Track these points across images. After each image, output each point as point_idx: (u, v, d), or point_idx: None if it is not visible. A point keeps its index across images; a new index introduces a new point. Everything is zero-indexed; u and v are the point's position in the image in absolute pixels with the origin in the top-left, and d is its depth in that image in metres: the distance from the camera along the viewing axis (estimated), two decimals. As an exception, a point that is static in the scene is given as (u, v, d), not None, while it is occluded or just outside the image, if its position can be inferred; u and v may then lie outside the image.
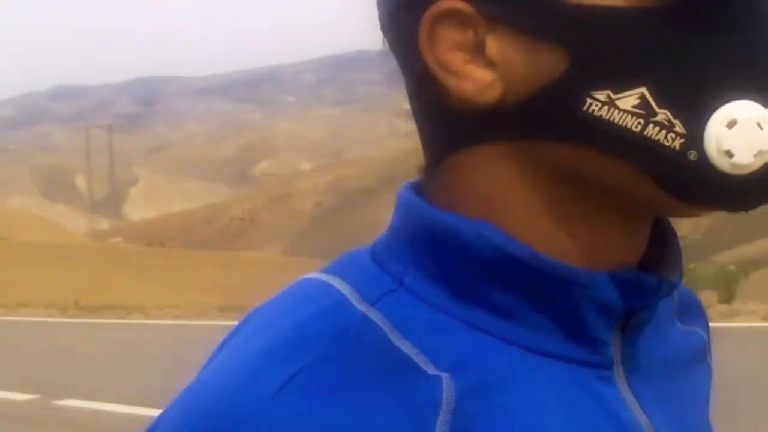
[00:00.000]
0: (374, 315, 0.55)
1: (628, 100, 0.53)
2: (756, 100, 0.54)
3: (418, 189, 0.61)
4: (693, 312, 0.73)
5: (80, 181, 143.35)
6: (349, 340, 0.54)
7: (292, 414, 0.50)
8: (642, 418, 0.59)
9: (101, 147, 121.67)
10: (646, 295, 0.58)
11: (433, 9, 0.56)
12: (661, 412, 0.61)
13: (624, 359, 0.60)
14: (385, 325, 0.55)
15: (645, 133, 0.53)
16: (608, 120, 0.54)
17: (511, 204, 0.57)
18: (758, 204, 0.56)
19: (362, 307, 0.55)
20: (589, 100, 0.54)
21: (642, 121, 0.53)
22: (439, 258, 0.57)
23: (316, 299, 0.57)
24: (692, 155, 0.53)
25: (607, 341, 0.58)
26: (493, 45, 0.56)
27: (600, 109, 0.54)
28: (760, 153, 0.53)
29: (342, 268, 0.59)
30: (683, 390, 0.66)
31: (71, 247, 44.61)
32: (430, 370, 0.53)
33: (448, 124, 0.58)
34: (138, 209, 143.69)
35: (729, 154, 0.53)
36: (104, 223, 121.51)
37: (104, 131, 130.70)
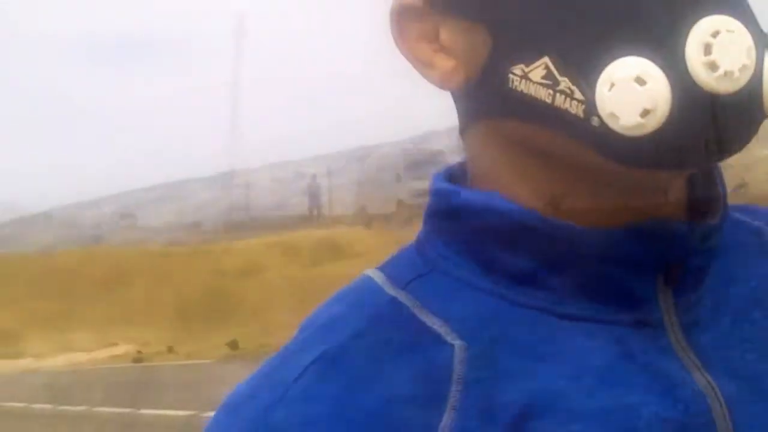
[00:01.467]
0: (403, 297, 0.58)
1: (537, 71, 0.53)
2: (641, 54, 0.51)
3: (461, 170, 0.63)
4: None
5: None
6: (377, 320, 0.57)
7: (309, 391, 0.54)
8: (699, 376, 0.56)
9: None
10: (679, 243, 0.56)
11: (394, 6, 0.59)
12: (734, 365, 0.58)
13: (678, 313, 0.57)
14: (412, 304, 0.57)
15: (555, 103, 0.53)
16: (528, 93, 0.54)
17: (507, 180, 0.58)
18: (674, 166, 0.53)
19: (393, 292, 0.58)
20: (510, 76, 0.54)
21: (551, 91, 0.53)
22: (461, 234, 0.59)
23: (355, 291, 0.61)
24: (595, 120, 0.52)
25: (644, 297, 0.56)
26: (444, 33, 0.58)
27: (520, 84, 0.54)
28: (646, 112, 0.50)
29: (388, 260, 0.63)
30: None
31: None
32: (450, 338, 0.55)
33: (456, 105, 0.62)
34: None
35: (614, 116, 0.51)
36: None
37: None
